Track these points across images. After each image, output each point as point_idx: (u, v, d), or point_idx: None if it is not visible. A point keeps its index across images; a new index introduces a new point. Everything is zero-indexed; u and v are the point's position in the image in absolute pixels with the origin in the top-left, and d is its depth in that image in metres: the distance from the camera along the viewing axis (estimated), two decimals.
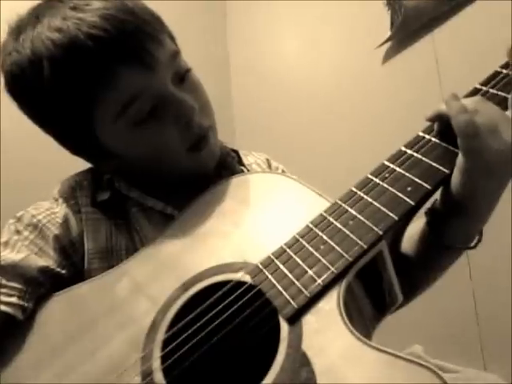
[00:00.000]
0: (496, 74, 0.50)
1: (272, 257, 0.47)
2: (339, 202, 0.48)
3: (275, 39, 1.80)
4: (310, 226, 0.48)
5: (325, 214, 0.48)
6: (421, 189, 0.45)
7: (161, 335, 0.47)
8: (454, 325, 1.11)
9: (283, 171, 0.75)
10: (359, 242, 0.43)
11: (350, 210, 0.47)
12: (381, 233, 0.43)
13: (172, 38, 0.60)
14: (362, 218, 0.45)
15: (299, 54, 1.73)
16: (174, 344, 0.45)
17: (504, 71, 0.50)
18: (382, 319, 0.49)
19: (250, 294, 0.45)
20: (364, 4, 1.49)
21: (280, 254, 0.47)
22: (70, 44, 0.51)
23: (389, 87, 1.39)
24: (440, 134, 0.48)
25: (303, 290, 0.42)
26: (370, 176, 0.49)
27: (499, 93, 0.47)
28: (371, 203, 0.46)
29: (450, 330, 1.11)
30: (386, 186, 0.47)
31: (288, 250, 0.47)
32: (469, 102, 0.43)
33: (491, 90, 0.48)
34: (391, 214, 0.44)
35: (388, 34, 1.38)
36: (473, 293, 1.08)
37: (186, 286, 0.50)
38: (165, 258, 0.55)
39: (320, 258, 0.44)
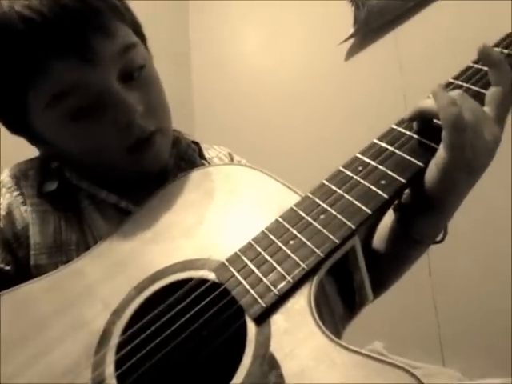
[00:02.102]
0: (468, 68, 0.49)
1: (239, 253, 0.44)
2: (310, 196, 0.46)
3: (237, 35, 1.77)
4: (280, 220, 0.45)
5: (295, 208, 0.45)
6: (395, 182, 0.43)
7: (115, 339, 0.42)
8: (414, 321, 1.12)
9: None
10: (331, 237, 0.41)
11: (321, 203, 0.44)
12: (354, 227, 0.41)
13: (136, 28, 0.56)
14: (334, 212, 0.43)
15: (261, 49, 1.71)
16: (128, 348, 0.41)
17: (476, 66, 0.49)
18: (353, 318, 0.47)
19: (214, 293, 0.42)
20: (327, 0, 1.49)
21: (247, 249, 0.44)
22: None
23: (351, 83, 1.39)
24: (417, 128, 0.46)
25: (272, 287, 0.40)
26: (341, 169, 0.47)
27: (473, 87, 0.46)
28: (343, 197, 0.44)
29: (409, 326, 1.12)
30: (358, 179, 0.45)
31: (256, 246, 0.44)
32: (455, 96, 0.42)
33: (465, 85, 0.47)
34: (364, 208, 0.42)
35: (351, 30, 1.38)
36: (432, 289, 1.10)
37: (143, 286, 0.46)
38: (121, 256, 0.51)
39: (290, 253, 0.41)
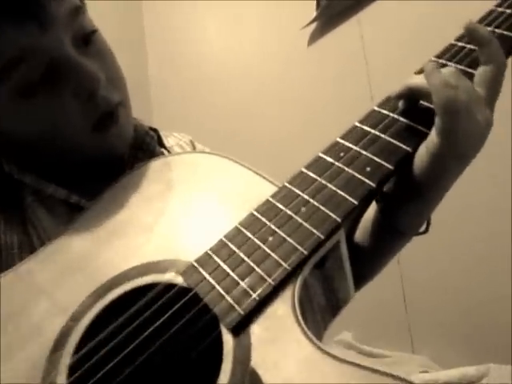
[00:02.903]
0: (452, 46, 0.46)
1: (210, 252, 0.39)
2: (288, 186, 0.41)
3: (194, 21, 1.68)
4: (255, 214, 0.40)
5: (272, 200, 0.40)
6: (381, 169, 0.39)
7: (69, 352, 0.36)
8: (382, 309, 1.11)
9: None
10: (315, 231, 0.37)
11: (301, 194, 0.40)
12: (339, 220, 0.37)
13: None
14: (316, 204, 0.38)
15: (219, 35, 1.64)
16: (86, 365, 0.35)
17: (459, 43, 0.46)
18: (336, 317, 0.43)
19: (183, 300, 0.36)
20: None
21: (219, 248, 0.39)
22: None
23: (314, 69, 1.36)
24: (403, 110, 0.42)
25: (250, 291, 0.35)
26: (322, 155, 0.42)
27: (459, 66, 0.43)
28: (326, 186, 0.40)
29: (378, 315, 1.11)
30: (341, 166, 0.41)
31: (229, 244, 0.38)
32: (448, 75, 0.38)
33: (450, 63, 0.44)
34: (350, 198, 0.38)
35: (314, 14, 1.34)
36: (401, 277, 1.09)
37: (101, 291, 0.40)
38: (74, 258, 0.44)
39: (269, 252, 0.37)
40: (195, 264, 0.38)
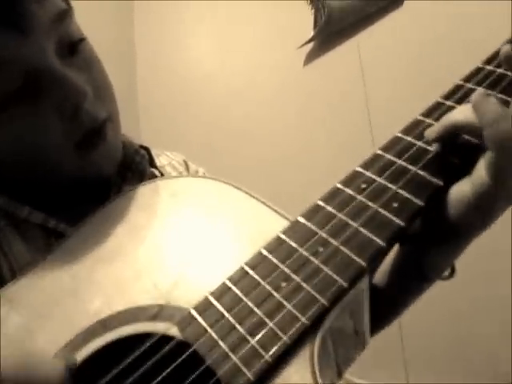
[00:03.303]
0: (479, 70, 0.42)
1: (211, 298, 0.33)
2: (302, 221, 0.36)
3: (184, 36, 1.64)
4: (265, 253, 0.34)
5: (284, 237, 0.35)
6: (410, 205, 0.34)
7: None
8: (377, 341, 1.06)
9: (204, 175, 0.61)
10: (337, 278, 0.31)
11: (318, 232, 0.34)
12: (364, 264, 0.32)
13: None
14: (336, 244, 0.33)
15: (212, 49, 1.60)
16: None
17: (488, 67, 0.42)
18: (348, 368, 0.38)
19: (180, 359, 0.30)
20: (285, 2, 1.41)
21: (222, 293, 0.33)
22: None
23: (311, 89, 1.32)
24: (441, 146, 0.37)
25: (261, 351, 0.29)
26: (340, 187, 0.37)
27: (492, 92, 0.39)
28: (347, 223, 0.34)
29: (372, 347, 1.06)
30: (363, 200, 0.36)
31: (234, 289, 0.33)
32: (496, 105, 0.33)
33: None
34: (376, 239, 0.33)
35: (311, 34, 1.32)
36: None
37: (81, 340, 0.33)
38: (48, 296, 0.38)
39: (283, 301, 0.31)
40: (193, 312, 0.32)
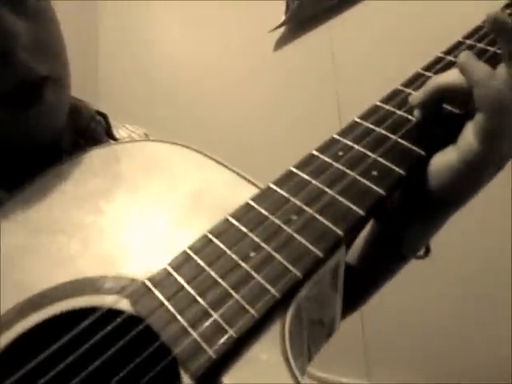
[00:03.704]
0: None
1: (169, 269, 0.29)
2: (275, 188, 0.32)
3: (151, 22, 1.57)
4: (231, 220, 0.31)
5: (254, 204, 0.31)
6: (391, 173, 0.32)
7: None
8: (339, 335, 1.05)
9: None
10: (311, 247, 0.28)
11: (292, 199, 0.31)
12: (341, 234, 0.29)
13: None
14: (311, 212, 0.30)
15: (178, 36, 1.54)
16: None
17: (467, 42, 0.40)
18: (317, 353, 0.35)
19: (130, 334, 0.26)
20: None
21: (182, 263, 0.29)
22: None
23: (280, 75, 1.29)
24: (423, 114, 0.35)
25: (225, 326, 0.26)
26: (316, 153, 0.34)
27: (491, 48, 0.37)
28: (323, 191, 0.31)
29: (333, 341, 1.05)
30: (341, 168, 0.33)
31: (196, 258, 0.29)
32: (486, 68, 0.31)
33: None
34: (355, 208, 0.30)
35: (282, 18, 1.28)
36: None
37: (17, 315, 0.29)
38: None
39: (251, 272, 0.28)
40: (148, 283, 0.28)
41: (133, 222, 0.34)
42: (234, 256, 0.28)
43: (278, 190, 0.32)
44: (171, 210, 0.35)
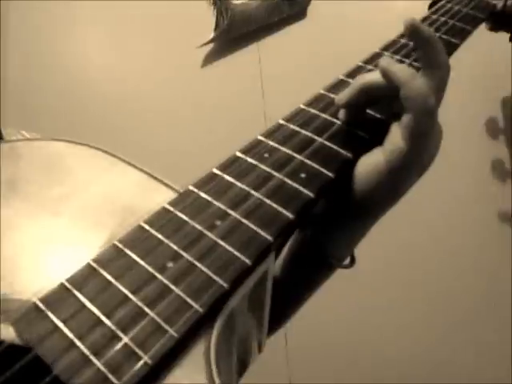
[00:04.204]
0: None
1: (68, 285, 0.24)
2: (195, 191, 0.29)
3: (68, 34, 1.50)
4: (146, 227, 0.27)
5: (172, 209, 0.28)
6: (320, 176, 0.30)
7: None
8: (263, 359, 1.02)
9: None
10: (238, 254, 0.25)
11: (215, 203, 0.28)
12: (271, 239, 0.26)
13: None
14: (237, 217, 0.27)
15: (98, 49, 1.47)
16: None
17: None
18: (243, 375, 0.32)
19: (12, 369, 0.21)
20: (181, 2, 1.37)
21: (85, 278, 0.25)
22: None
23: (207, 90, 1.27)
24: (347, 115, 0.34)
25: (138, 351, 0.21)
26: (240, 155, 0.32)
27: (407, 61, 0.37)
28: (249, 194, 0.29)
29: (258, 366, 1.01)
30: (267, 169, 0.30)
31: (102, 271, 0.25)
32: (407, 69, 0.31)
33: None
34: (284, 211, 0.28)
35: (211, 35, 1.28)
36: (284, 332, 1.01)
37: None
38: None
39: (169, 285, 0.24)
40: (40, 304, 0.23)
41: (27, 230, 0.29)
42: (148, 267, 0.25)
43: (199, 192, 0.29)
44: (74, 215, 0.30)
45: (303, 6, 1.22)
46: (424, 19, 0.44)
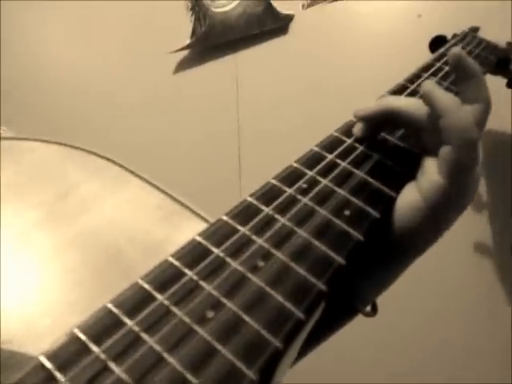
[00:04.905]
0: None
1: (82, 336, 0.19)
2: (229, 221, 0.25)
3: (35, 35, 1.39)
4: (176, 263, 0.22)
5: (207, 245, 0.24)
6: (365, 214, 0.27)
7: None
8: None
9: None
10: (290, 307, 0.21)
11: (257, 240, 0.24)
12: (324, 288, 0.23)
13: None
14: (283, 259, 0.24)
15: (66, 51, 1.38)
16: None
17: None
18: None
19: None
20: (155, 5, 1.32)
21: (105, 331, 0.20)
22: None
23: (180, 98, 1.22)
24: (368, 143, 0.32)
25: None
26: (275, 182, 0.28)
27: (444, 83, 0.36)
28: (292, 230, 0.25)
29: None
30: (309, 203, 0.27)
31: (126, 320, 0.20)
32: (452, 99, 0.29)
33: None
34: (333, 255, 0.24)
35: (187, 41, 1.23)
36: None
37: None
38: None
39: (211, 341, 0.20)
40: (47, 363, 0.18)
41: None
42: (184, 318, 0.20)
43: (235, 225, 0.25)
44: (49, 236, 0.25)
45: (285, 22, 1.21)
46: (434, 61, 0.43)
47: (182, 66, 1.25)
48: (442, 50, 0.46)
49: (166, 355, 0.19)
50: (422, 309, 0.91)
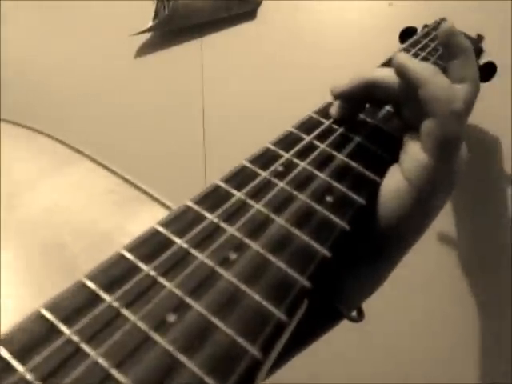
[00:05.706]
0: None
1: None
2: (196, 208, 0.22)
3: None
4: (134, 262, 0.19)
5: (163, 231, 0.20)
6: (350, 201, 0.24)
7: None
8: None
9: None
10: (271, 308, 0.18)
11: (228, 228, 0.21)
12: (307, 284, 0.20)
13: None
14: (260, 251, 0.20)
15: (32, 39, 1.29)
16: None
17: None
18: None
19: None
20: None
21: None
22: None
23: (143, 81, 1.16)
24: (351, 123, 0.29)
25: None
26: (249, 165, 0.25)
27: (432, 58, 0.34)
28: (269, 218, 0.22)
29: None
30: (287, 188, 0.24)
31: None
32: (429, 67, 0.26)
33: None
34: (317, 246, 0.21)
35: (149, 24, 1.17)
36: None
37: None
38: None
39: (182, 357, 0.16)
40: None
41: None
42: (140, 324, 0.17)
43: (202, 211, 0.21)
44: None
45: (253, 7, 1.17)
46: (404, 50, 0.41)
47: (144, 49, 1.19)
48: (414, 37, 0.45)
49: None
50: (389, 302, 0.91)
